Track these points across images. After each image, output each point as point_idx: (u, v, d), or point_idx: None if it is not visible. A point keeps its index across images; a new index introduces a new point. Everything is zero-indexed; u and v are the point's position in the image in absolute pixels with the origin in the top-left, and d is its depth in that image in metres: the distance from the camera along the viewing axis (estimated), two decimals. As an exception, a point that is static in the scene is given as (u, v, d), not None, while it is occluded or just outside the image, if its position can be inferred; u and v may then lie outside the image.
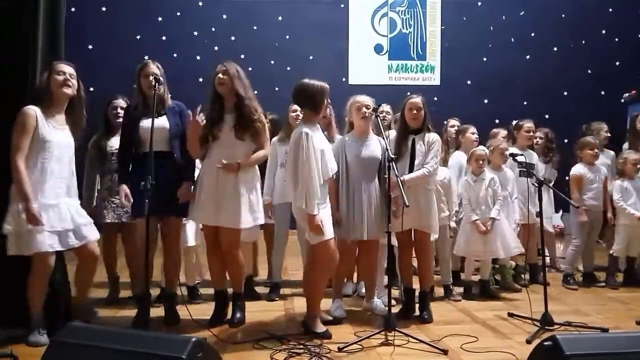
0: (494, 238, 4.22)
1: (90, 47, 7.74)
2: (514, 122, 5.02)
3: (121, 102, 4.11)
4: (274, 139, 4.18)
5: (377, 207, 3.62)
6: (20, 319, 3.17)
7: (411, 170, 3.64)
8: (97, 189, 4.14)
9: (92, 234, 3.25)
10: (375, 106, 3.58)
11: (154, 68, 3.46)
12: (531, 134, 4.89)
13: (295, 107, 4.08)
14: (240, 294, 3.61)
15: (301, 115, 3.95)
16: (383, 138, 3.43)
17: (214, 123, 3.39)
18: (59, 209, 3.09)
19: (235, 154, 3.38)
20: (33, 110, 3.04)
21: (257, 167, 3.55)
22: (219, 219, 3.38)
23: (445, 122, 5.15)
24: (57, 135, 3.10)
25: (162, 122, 3.45)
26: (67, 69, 3.15)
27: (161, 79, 3.33)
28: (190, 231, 4.06)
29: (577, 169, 4.78)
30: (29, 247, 2.98)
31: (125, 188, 3.41)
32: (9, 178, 3.00)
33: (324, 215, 3.23)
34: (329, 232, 3.24)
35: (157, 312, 3.62)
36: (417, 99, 3.70)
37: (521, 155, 4.12)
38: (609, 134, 5.28)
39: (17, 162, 2.96)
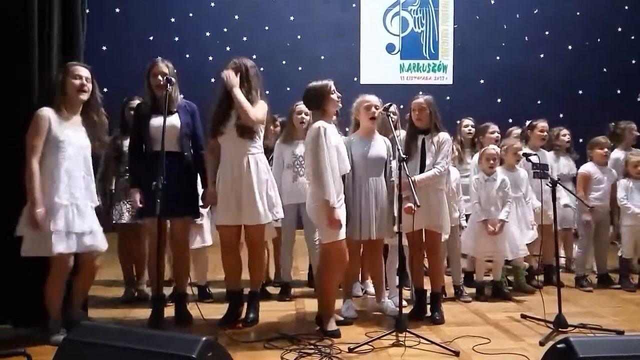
0: (502, 239, 4.19)
1: (104, 48, 7.81)
2: (527, 122, 4.96)
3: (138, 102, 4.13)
4: (278, 140, 4.20)
5: (384, 206, 3.61)
6: (33, 318, 3.22)
7: (422, 170, 3.62)
8: (112, 189, 4.18)
9: (99, 244, 3.18)
10: (386, 105, 3.57)
11: (163, 67, 3.46)
12: (545, 133, 4.83)
13: (301, 108, 4.09)
14: (256, 294, 3.61)
15: (306, 118, 3.98)
16: (394, 137, 3.42)
17: (221, 119, 3.40)
18: (77, 210, 3.07)
19: (243, 148, 3.38)
20: (46, 111, 3.05)
21: (268, 164, 3.55)
22: (242, 218, 3.38)
23: (458, 122, 5.11)
24: (72, 136, 3.10)
25: (173, 120, 3.44)
26: (84, 73, 3.14)
27: (172, 78, 3.35)
28: (207, 230, 4.09)
29: (586, 168, 4.73)
30: (47, 248, 2.96)
31: (137, 191, 3.42)
32: (22, 180, 3.01)
33: (340, 213, 3.23)
34: (342, 232, 3.24)
35: (171, 311, 3.64)
36: (419, 100, 3.67)
37: (535, 155, 4.08)
38: (638, 133, 5.18)
39: (32, 163, 2.98)
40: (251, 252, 3.53)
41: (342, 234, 3.25)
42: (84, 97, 3.14)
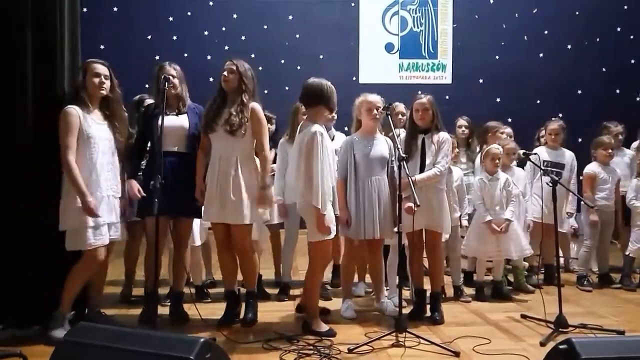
0: (506, 238, 4.17)
1: (102, 47, 7.76)
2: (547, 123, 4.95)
3: (151, 101, 4.09)
4: (282, 139, 4.16)
5: (387, 206, 3.59)
6: (27, 320, 3.20)
7: (422, 169, 3.60)
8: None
9: (119, 234, 3.33)
10: (386, 105, 3.55)
11: (171, 70, 3.48)
12: (553, 136, 4.78)
13: None
14: (253, 293, 3.59)
15: None
16: (394, 137, 3.40)
17: (213, 117, 3.38)
18: (109, 202, 3.22)
19: (232, 147, 3.35)
20: (74, 109, 3.16)
21: (256, 163, 3.52)
22: (226, 216, 3.36)
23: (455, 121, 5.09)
24: (99, 130, 3.22)
25: (182, 120, 3.47)
26: (103, 70, 3.24)
27: (170, 77, 3.34)
28: (196, 231, 4.05)
29: (591, 168, 4.73)
30: (85, 242, 3.07)
31: (135, 183, 3.40)
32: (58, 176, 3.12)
33: (330, 217, 3.21)
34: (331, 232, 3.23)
35: (165, 310, 3.62)
36: (422, 100, 3.65)
37: (535, 154, 4.06)
38: (622, 137, 5.19)
39: (69, 160, 3.06)
40: (239, 253, 3.50)
41: (330, 234, 3.23)
42: (103, 93, 3.25)
